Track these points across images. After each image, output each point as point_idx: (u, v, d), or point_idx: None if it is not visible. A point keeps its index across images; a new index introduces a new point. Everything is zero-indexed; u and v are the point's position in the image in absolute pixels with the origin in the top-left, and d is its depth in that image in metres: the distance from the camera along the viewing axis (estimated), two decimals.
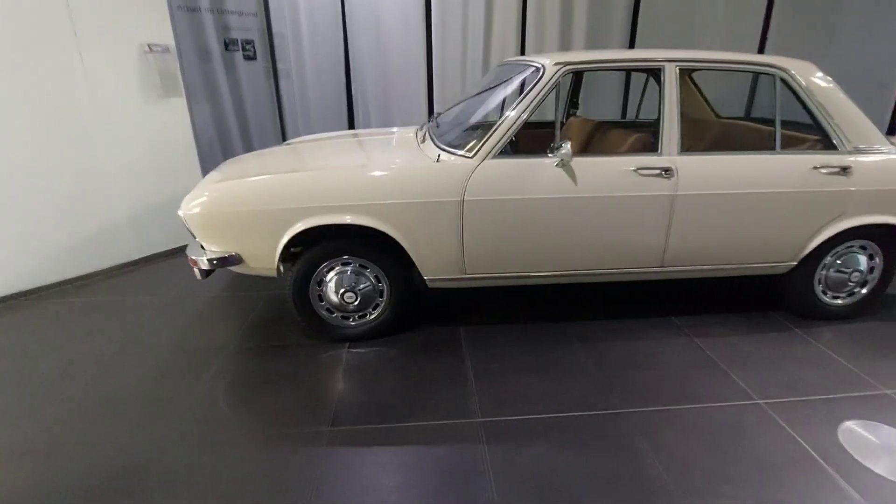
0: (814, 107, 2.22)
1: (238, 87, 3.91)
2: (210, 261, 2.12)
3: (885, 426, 1.76)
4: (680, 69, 2.18)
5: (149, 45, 3.03)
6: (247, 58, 3.83)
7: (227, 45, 3.73)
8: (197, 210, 2.08)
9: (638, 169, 2.11)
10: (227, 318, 2.58)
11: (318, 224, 2.07)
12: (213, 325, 2.52)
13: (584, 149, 2.71)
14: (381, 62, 4.60)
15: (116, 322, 2.53)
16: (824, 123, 2.23)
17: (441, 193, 2.07)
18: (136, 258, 3.27)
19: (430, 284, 2.27)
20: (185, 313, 2.62)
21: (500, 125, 2.10)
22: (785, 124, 2.29)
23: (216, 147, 3.93)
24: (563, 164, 2.10)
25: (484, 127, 2.19)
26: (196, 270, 2.22)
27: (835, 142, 2.23)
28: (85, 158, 2.90)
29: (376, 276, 2.25)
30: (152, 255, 3.35)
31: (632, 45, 4.75)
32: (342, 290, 2.23)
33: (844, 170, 2.20)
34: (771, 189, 2.18)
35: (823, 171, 2.19)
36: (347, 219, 2.07)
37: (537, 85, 2.12)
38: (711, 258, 2.30)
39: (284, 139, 4.40)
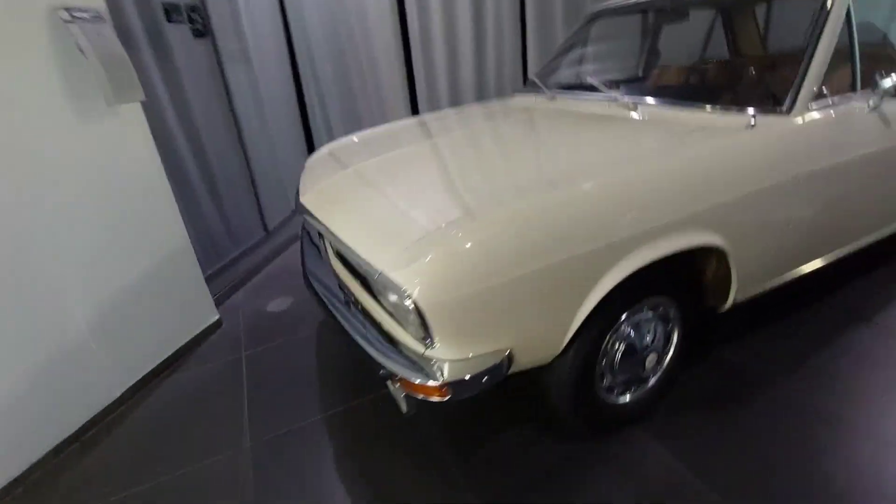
0: None
1: (180, 76, 2.49)
2: (477, 377, 1.12)
3: None
4: None
5: (66, 10, 1.62)
6: (196, 34, 2.45)
7: (169, 13, 2.31)
8: (452, 290, 1.04)
9: None
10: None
11: (659, 255, 1.22)
12: None
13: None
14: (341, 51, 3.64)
15: None
16: None
17: (785, 170, 1.40)
18: (117, 395, 1.88)
19: (724, 309, 1.58)
20: None
21: (812, 63, 1.47)
22: None
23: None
24: (877, 107, 1.58)
25: (766, 70, 1.56)
26: (405, 402, 1.21)
27: None
28: None
29: (663, 320, 1.49)
30: (137, 384, 1.97)
31: None
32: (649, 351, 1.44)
33: None
34: None
35: None
36: (689, 238, 1.26)
37: (834, 7, 1.52)
38: None
39: (244, 149, 3.07)
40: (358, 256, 1.21)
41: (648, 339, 1.46)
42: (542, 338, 1.20)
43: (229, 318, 2.43)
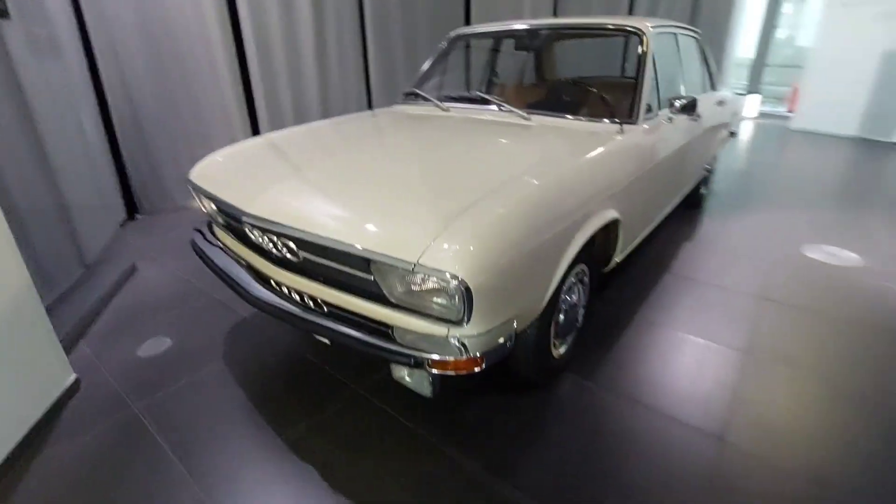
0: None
1: None
2: (502, 344, 1.28)
3: None
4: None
5: None
6: None
7: None
8: (488, 268, 1.18)
9: None
10: None
11: (594, 230, 1.58)
12: None
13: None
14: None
15: None
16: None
17: (645, 161, 1.96)
18: None
19: (608, 269, 2.07)
20: None
21: (642, 88, 2.07)
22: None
23: None
24: (671, 119, 2.30)
25: (616, 91, 2.15)
26: (430, 382, 1.31)
27: None
28: None
29: (581, 283, 1.88)
30: None
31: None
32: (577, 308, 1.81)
33: None
34: None
35: None
36: (606, 215, 1.66)
37: (647, 51, 2.16)
38: None
39: (48, 162, 2.44)
40: (373, 254, 1.23)
41: (575, 298, 1.83)
42: (531, 306, 1.43)
43: (86, 377, 1.94)
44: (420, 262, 1.16)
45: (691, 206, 3.60)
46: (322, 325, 1.42)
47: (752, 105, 8.01)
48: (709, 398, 1.74)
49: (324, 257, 1.40)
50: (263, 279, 1.64)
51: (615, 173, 1.75)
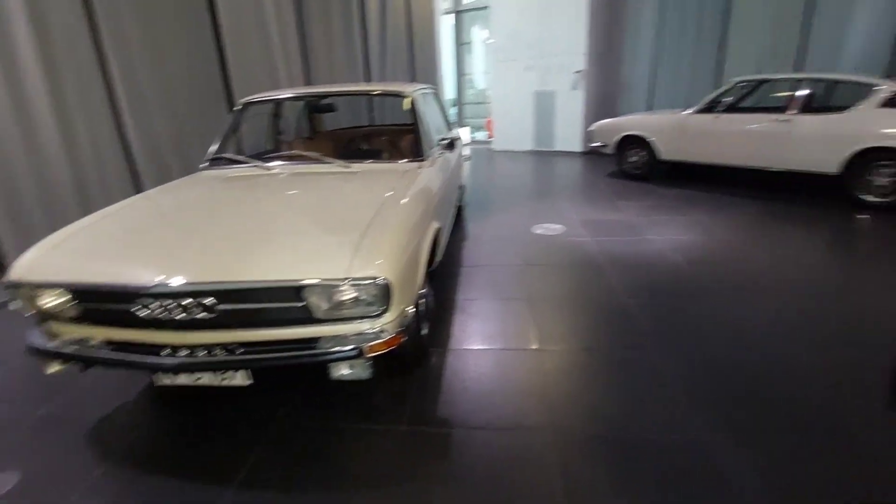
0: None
1: None
2: (412, 321, 1.90)
3: None
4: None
5: None
6: None
7: None
8: (396, 267, 1.73)
9: None
10: None
11: (433, 233, 2.28)
12: None
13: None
14: None
15: None
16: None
17: (439, 183, 2.78)
18: None
19: (433, 268, 2.80)
20: None
21: (420, 134, 2.88)
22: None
23: None
24: (442, 154, 3.19)
25: (405, 138, 2.91)
26: (369, 365, 1.78)
27: None
28: None
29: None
30: None
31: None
32: (428, 296, 2.49)
33: None
34: None
35: None
36: (437, 223, 2.39)
37: (417, 107, 2.98)
38: None
39: None
40: (312, 282, 1.61)
41: (425, 291, 2.48)
42: (414, 293, 2.01)
43: None
44: (351, 276, 1.62)
45: (457, 216, 4.72)
46: (253, 361, 1.68)
47: (465, 135, 10.28)
48: (515, 334, 2.64)
49: (250, 302, 1.67)
50: (150, 352, 1.71)
51: (430, 193, 2.49)
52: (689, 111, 5.37)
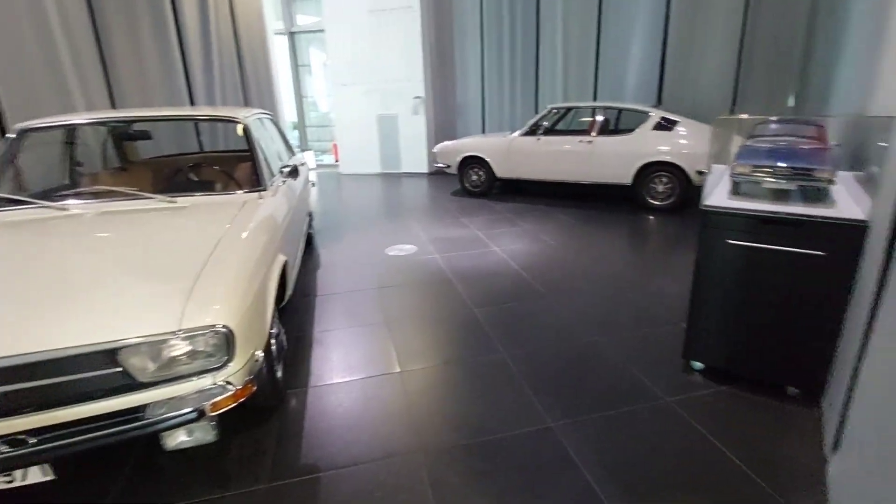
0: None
1: None
2: (260, 369, 1.71)
3: None
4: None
5: None
6: None
7: None
8: (238, 313, 1.57)
9: None
10: None
11: (279, 269, 2.13)
12: None
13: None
14: None
15: None
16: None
17: (283, 213, 2.65)
18: None
19: (283, 304, 2.64)
20: None
21: (258, 163, 2.70)
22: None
23: None
24: (285, 182, 3.04)
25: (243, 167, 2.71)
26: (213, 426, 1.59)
27: None
28: None
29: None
30: None
31: None
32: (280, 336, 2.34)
33: None
34: None
35: None
36: (282, 258, 2.24)
37: (251, 134, 2.79)
38: None
39: None
40: (131, 340, 1.38)
41: (276, 330, 2.32)
42: (263, 335, 1.87)
43: None
44: (182, 327, 1.44)
45: (308, 244, 4.53)
46: (48, 450, 1.37)
47: (310, 159, 9.96)
48: (376, 360, 2.63)
49: (47, 377, 1.37)
50: None
51: (275, 224, 2.35)
52: (517, 134, 6.04)
